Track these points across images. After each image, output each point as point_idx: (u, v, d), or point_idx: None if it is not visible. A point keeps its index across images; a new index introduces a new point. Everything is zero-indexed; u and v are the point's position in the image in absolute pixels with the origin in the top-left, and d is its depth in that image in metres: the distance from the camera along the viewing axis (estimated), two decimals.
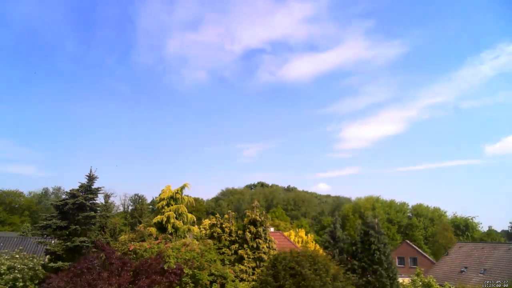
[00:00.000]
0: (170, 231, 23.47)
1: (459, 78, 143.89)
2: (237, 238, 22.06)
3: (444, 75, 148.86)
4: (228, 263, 20.50)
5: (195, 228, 26.20)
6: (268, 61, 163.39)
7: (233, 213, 24.41)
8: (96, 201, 20.79)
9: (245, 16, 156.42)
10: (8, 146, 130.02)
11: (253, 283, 19.07)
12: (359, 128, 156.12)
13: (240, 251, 21.30)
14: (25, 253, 20.13)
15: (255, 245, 21.43)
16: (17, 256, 18.87)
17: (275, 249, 21.94)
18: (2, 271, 17.39)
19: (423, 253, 56.30)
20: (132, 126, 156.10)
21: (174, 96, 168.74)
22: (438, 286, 24.00)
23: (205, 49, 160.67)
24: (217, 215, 24.20)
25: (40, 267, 18.58)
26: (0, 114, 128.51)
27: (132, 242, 20.01)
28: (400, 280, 25.27)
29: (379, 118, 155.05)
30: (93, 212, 20.12)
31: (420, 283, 23.64)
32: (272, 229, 35.68)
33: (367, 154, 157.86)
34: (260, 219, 22.05)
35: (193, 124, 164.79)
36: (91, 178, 20.39)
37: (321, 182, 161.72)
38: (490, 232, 76.63)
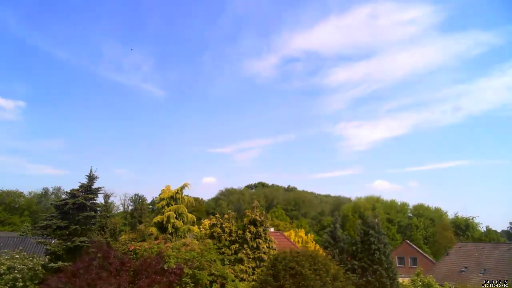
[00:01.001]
0: (170, 231, 23.48)
1: (477, 85, 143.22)
2: (237, 238, 22.06)
3: (464, 81, 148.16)
4: (228, 263, 20.50)
5: (195, 228, 26.20)
6: (300, 70, 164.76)
7: (233, 213, 24.41)
8: (96, 201, 20.81)
9: (283, 27, 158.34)
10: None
11: (253, 283, 19.06)
12: (362, 129, 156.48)
13: (240, 251, 21.31)
14: (25, 253, 20.13)
15: (255, 245, 21.43)
16: (17, 256, 18.87)
17: (275, 249, 21.94)
18: (2, 271, 17.40)
19: (423, 253, 56.25)
20: (133, 126, 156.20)
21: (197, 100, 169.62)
22: (438, 286, 24.00)
23: (241, 57, 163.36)
24: (217, 215, 24.20)
25: (40, 267, 18.58)
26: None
27: (133, 242, 20.02)
28: (400, 280, 25.25)
29: (384, 120, 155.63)
30: (93, 212, 20.12)
31: (420, 283, 23.64)
32: (272, 229, 35.68)
33: (368, 155, 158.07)
34: (260, 219, 22.06)
35: (194, 125, 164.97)
36: (91, 178, 20.39)
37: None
38: (488, 233, 76.57)
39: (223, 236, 22.01)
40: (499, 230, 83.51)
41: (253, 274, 20.49)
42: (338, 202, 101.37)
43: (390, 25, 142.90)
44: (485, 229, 78.05)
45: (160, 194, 25.92)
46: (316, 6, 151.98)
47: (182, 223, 24.44)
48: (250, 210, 23.20)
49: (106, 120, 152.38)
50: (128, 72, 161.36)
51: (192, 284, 16.97)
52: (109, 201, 54.19)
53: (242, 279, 19.94)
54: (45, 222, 20.02)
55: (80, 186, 20.22)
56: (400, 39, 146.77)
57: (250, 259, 21.12)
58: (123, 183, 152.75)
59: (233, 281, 18.61)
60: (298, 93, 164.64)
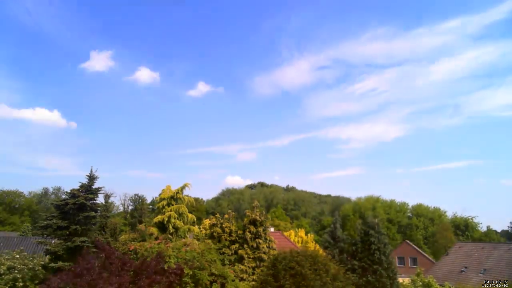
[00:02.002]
0: (170, 231, 23.48)
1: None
2: (237, 238, 22.08)
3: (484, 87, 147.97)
4: (228, 263, 20.51)
5: (196, 228, 26.20)
6: (329, 77, 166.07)
7: (233, 213, 24.43)
8: (97, 201, 20.80)
9: (315, 37, 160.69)
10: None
11: (253, 283, 19.08)
12: (363, 129, 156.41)
13: (240, 251, 21.32)
14: (25, 253, 20.13)
15: (255, 245, 21.45)
16: (17, 256, 18.87)
17: (275, 249, 21.96)
18: (2, 271, 17.39)
19: (423, 253, 56.31)
20: (133, 126, 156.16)
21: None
22: (438, 286, 24.01)
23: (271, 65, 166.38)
24: (217, 215, 24.21)
25: (40, 267, 18.56)
26: None
27: (133, 242, 20.02)
28: (400, 280, 25.26)
29: (389, 121, 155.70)
30: (93, 212, 20.11)
31: (420, 283, 23.65)
32: (272, 229, 35.73)
33: (368, 155, 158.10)
34: (260, 219, 22.07)
35: (194, 125, 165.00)
36: (91, 178, 20.39)
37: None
38: (489, 232, 76.66)
39: (223, 236, 22.02)
40: (499, 230, 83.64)
41: (253, 274, 20.51)
42: (338, 202, 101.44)
43: (421, 36, 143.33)
44: (485, 229, 78.15)
45: (160, 194, 25.93)
46: (350, 20, 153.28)
47: (182, 223, 24.45)
48: (250, 210, 23.22)
49: (111, 120, 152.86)
50: (156, 77, 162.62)
51: (192, 284, 16.97)
52: (109, 201, 54.26)
53: (242, 279, 19.95)
54: (45, 222, 19.99)
55: (81, 186, 20.20)
56: (429, 48, 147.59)
57: (250, 259, 21.13)
58: (124, 183, 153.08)
59: (233, 281, 18.61)
60: (315, 95, 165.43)
